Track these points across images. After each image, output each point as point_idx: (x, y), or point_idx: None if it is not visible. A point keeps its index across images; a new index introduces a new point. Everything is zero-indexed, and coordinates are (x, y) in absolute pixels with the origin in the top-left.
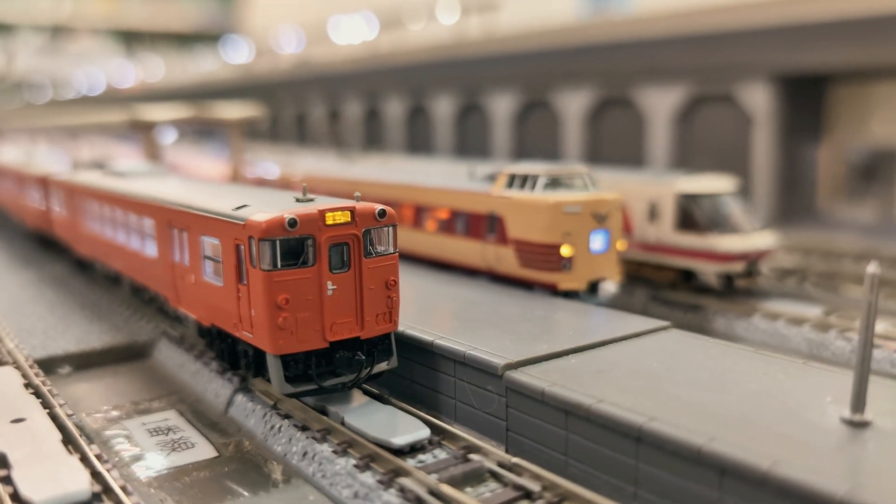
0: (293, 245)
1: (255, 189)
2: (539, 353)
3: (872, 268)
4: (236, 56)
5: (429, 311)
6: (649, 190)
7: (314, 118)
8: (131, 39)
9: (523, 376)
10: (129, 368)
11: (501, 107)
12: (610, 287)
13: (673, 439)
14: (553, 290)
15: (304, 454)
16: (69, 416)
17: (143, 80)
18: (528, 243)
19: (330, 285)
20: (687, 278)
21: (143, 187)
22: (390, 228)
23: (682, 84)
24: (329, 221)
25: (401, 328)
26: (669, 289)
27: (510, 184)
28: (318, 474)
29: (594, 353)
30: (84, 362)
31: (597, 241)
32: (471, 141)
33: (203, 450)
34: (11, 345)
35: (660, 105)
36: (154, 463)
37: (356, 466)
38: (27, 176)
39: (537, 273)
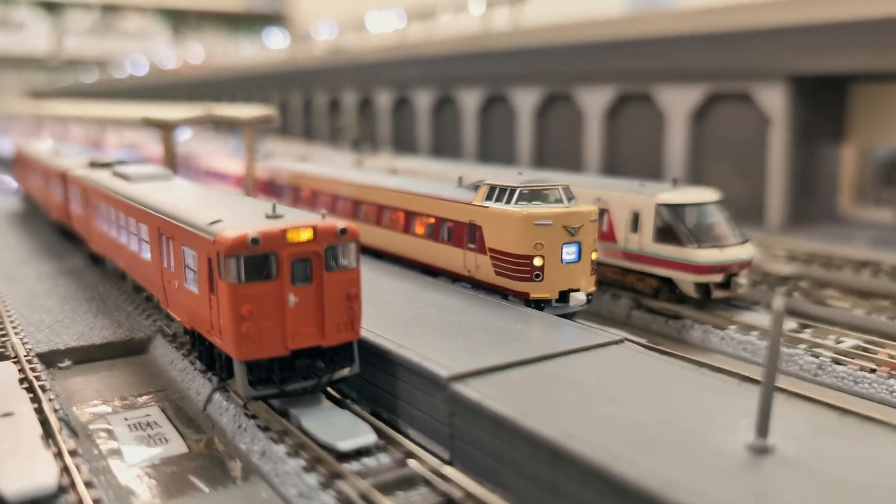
0: (256, 260)
1: (238, 200)
2: (487, 364)
3: (778, 303)
4: (280, 41)
5: (399, 316)
6: (632, 200)
7: (337, 109)
8: (178, 20)
9: (465, 387)
10: (126, 363)
11: (525, 100)
12: (580, 297)
13: (579, 456)
14: (525, 299)
15: (263, 453)
16: (56, 410)
17: (185, 61)
18: (503, 253)
19: (292, 297)
20: (669, 288)
21: (143, 192)
22: (352, 245)
23: (701, 82)
24: (291, 239)
25: (368, 335)
26: (652, 297)
27: (489, 195)
28: (272, 473)
29: (540, 366)
30: (83, 356)
31: (568, 253)
32: (495, 133)
33: (175, 446)
34: (16, 339)
35: (678, 102)
36: (128, 458)
37: (303, 468)
38: (50, 169)
39: (511, 282)
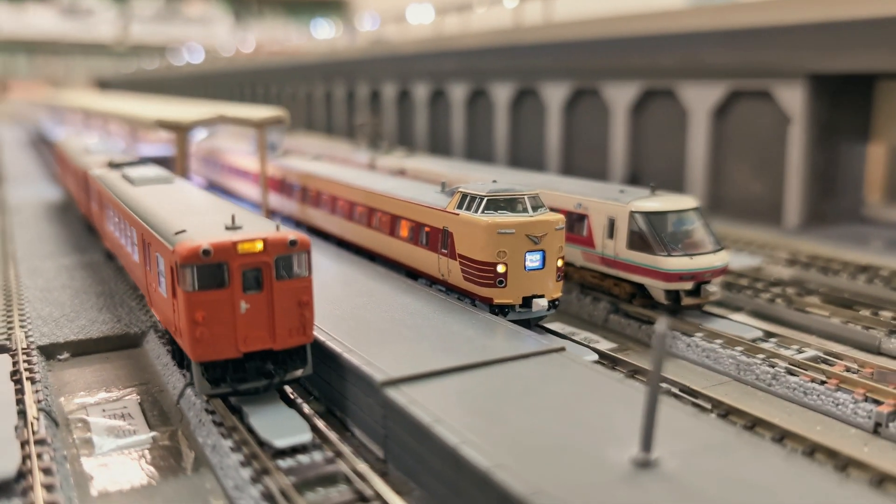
0: (209, 270)
1: (216, 208)
2: (422, 370)
3: (661, 326)
4: (327, 31)
5: (364, 319)
6: (608, 206)
7: (378, 100)
8: (240, 6)
9: (395, 392)
10: (120, 357)
11: (554, 94)
12: (542, 303)
13: (470, 462)
14: (490, 304)
15: (214, 447)
16: (38, 402)
17: (238, 50)
18: (469, 259)
19: (243, 304)
20: (643, 293)
21: (139, 196)
22: (303, 255)
23: (722, 79)
24: (241, 250)
25: (325, 337)
26: (628, 302)
27: (460, 202)
28: (218, 465)
29: (475, 372)
30: (81, 349)
31: (532, 260)
32: (525, 126)
33: (141, 437)
34: (20, 332)
35: (700, 99)
36: (97, 447)
37: (241, 462)
38: (77, 167)
39: (476, 287)
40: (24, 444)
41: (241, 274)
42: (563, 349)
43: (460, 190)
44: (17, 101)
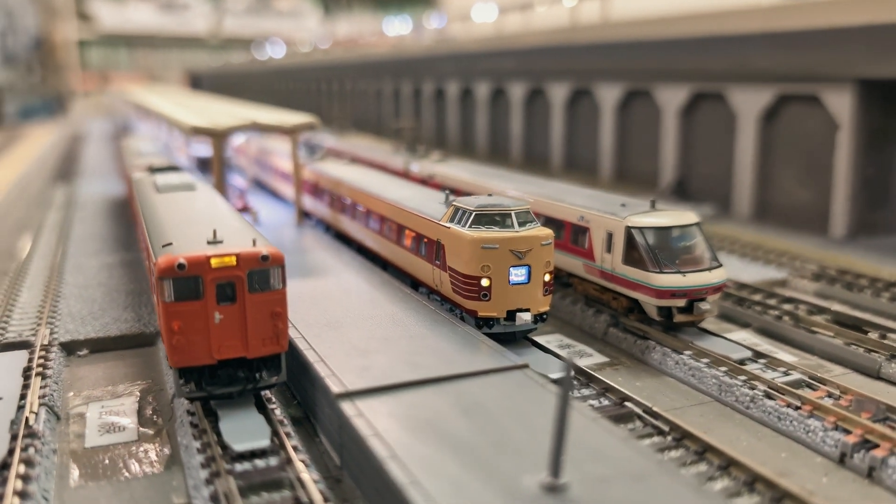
0: (184, 283)
1: (212, 220)
2: (381, 383)
3: (567, 361)
4: (401, 27)
5: (347, 326)
6: (607, 220)
7: (442, 98)
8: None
9: (347, 404)
10: (133, 355)
11: (608, 95)
12: (526, 316)
13: (391, 476)
14: (475, 317)
15: (187, 447)
16: (42, 397)
17: (316, 46)
18: (456, 272)
19: (217, 315)
20: (639, 308)
21: (154, 205)
22: (276, 269)
23: (771, 83)
24: (214, 265)
25: (306, 345)
26: (625, 316)
27: (453, 216)
28: (186, 465)
29: (430, 388)
30: (100, 347)
31: (517, 275)
32: (580, 127)
33: (129, 434)
34: (45, 329)
35: (749, 104)
36: (87, 441)
37: (202, 463)
38: (125, 168)
39: (462, 300)
40: (14, 436)
41: (215, 286)
42: (525, 366)
43: (453, 203)
44: (114, 93)
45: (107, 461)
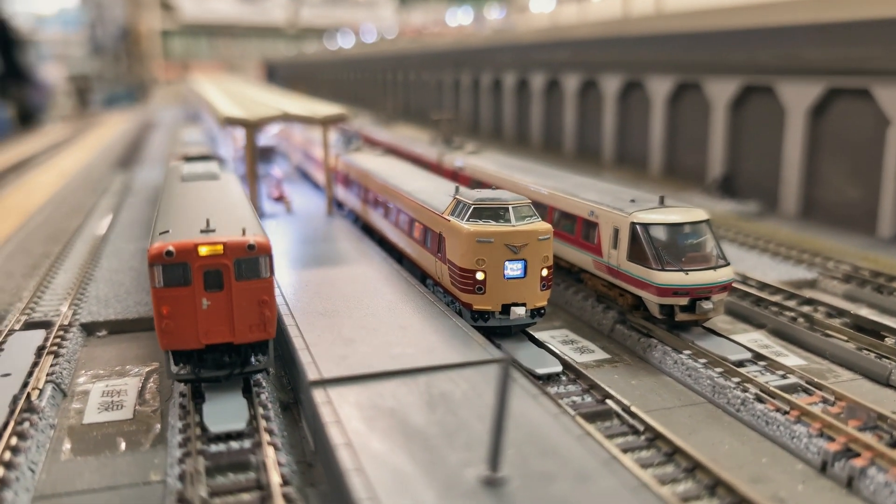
0: (173, 269)
1: (215, 210)
2: (356, 372)
3: (505, 357)
4: (464, 18)
5: (341, 316)
6: (614, 216)
7: (499, 89)
8: None
9: (319, 392)
10: (147, 337)
11: (658, 88)
12: (520, 311)
13: (340, 463)
14: (470, 310)
15: (172, 427)
16: (50, 374)
17: (383, 37)
18: (454, 265)
19: (204, 301)
20: (644, 306)
21: (172, 194)
22: (263, 258)
23: (821, 75)
24: (202, 253)
25: (297, 332)
26: (630, 313)
27: (453, 209)
28: (169, 443)
29: (403, 379)
30: (117, 328)
31: (512, 269)
32: (631, 119)
33: (125, 412)
34: (67, 310)
35: (798, 97)
36: (85, 418)
37: (180, 443)
38: (169, 157)
39: (459, 293)
40: (13, 411)
41: (203, 273)
42: (506, 360)
43: (455, 196)
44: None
45: (100, 437)
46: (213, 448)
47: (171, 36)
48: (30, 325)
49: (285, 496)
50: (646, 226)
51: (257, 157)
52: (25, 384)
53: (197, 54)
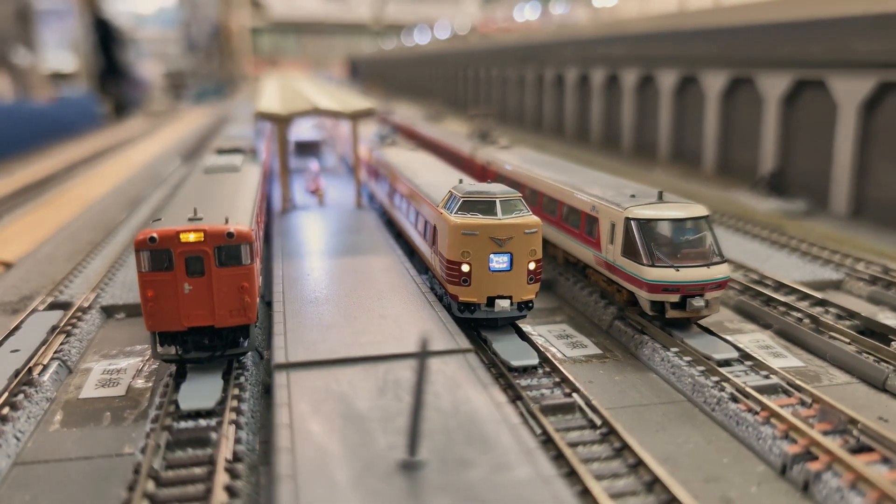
0: (156, 255)
1: (212, 200)
2: (320, 357)
3: (421, 342)
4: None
5: (329, 303)
6: (611, 211)
7: (561, 85)
8: None
9: (280, 375)
10: None
11: (713, 83)
12: (503, 303)
13: (276, 441)
14: (456, 301)
15: (153, 404)
16: (57, 352)
17: (456, 33)
18: (442, 256)
19: (186, 286)
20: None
21: (191, 184)
22: (244, 246)
23: (873, 69)
24: (183, 239)
25: (282, 318)
26: (623, 310)
27: (446, 201)
28: (148, 419)
29: (364, 365)
30: (135, 311)
31: (498, 262)
32: (686, 115)
33: (119, 389)
34: (90, 294)
35: (849, 91)
36: (82, 393)
37: (152, 418)
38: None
39: (447, 284)
40: (9, 383)
41: (184, 259)
42: (470, 351)
43: (451, 189)
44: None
45: (90, 411)
46: (183, 424)
47: (261, 33)
48: (52, 306)
49: (229, 471)
50: (639, 221)
51: (302, 151)
52: (31, 360)
53: (285, 51)
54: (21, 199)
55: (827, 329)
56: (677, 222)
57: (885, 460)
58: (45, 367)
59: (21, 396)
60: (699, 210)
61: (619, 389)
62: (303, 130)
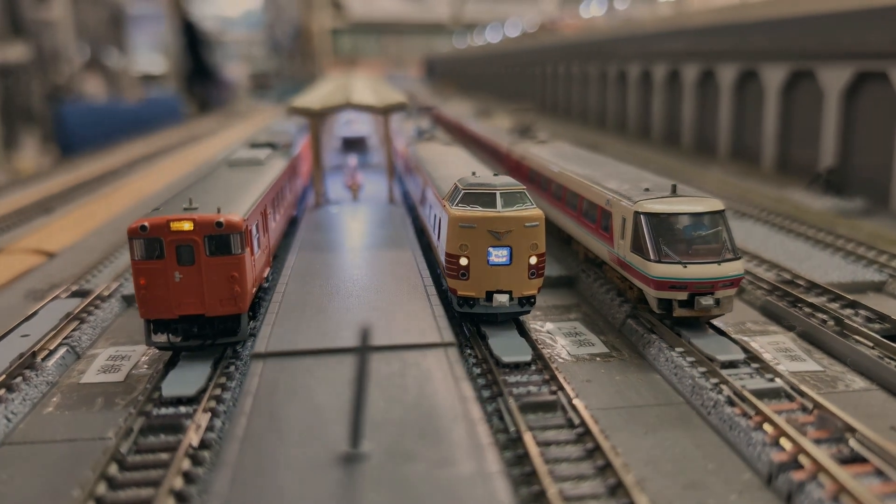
0: (148, 244)
1: (230, 194)
2: (297, 347)
3: (362, 332)
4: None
5: (328, 295)
6: (623, 205)
7: (623, 81)
8: None
9: (256, 363)
10: None
11: (771, 76)
12: (501, 298)
13: (232, 428)
14: (455, 296)
15: (143, 390)
16: (67, 338)
17: (525, 31)
18: (443, 250)
19: (177, 274)
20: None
21: (211, 177)
22: (234, 235)
23: None
24: (174, 228)
25: (275, 307)
26: (635, 307)
27: (451, 193)
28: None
29: (339, 357)
30: None
31: (497, 256)
32: (746, 110)
33: (119, 376)
34: (114, 283)
35: None
36: (84, 378)
37: (133, 404)
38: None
39: (447, 278)
40: (10, 367)
41: (175, 248)
42: (452, 345)
43: (456, 182)
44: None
45: (86, 396)
46: (163, 411)
47: (341, 34)
48: (75, 294)
49: (192, 457)
50: (648, 215)
51: (349, 147)
52: (37, 345)
53: (364, 52)
54: (79, 193)
55: (851, 332)
56: (688, 217)
57: (879, 472)
58: (52, 353)
59: (19, 379)
60: (713, 204)
61: (616, 389)
62: (354, 127)
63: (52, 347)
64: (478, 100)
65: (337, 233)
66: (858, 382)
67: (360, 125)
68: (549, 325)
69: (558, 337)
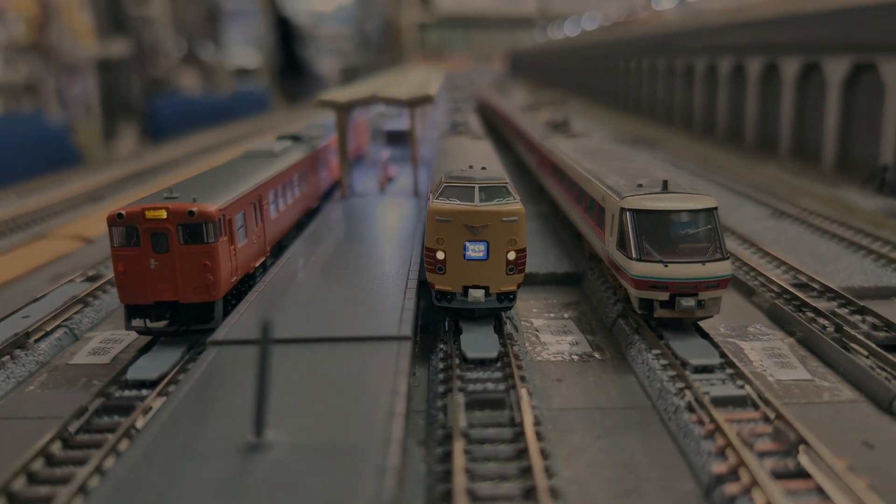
0: (124, 231)
1: (230, 183)
2: (256, 335)
3: (265, 326)
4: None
5: (309, 284)
6: (612, 201)
7: (691, 76)
8: None
9: (213, 350)
10: None
11: (834, 70)
12: (476, 293)
13: (157, 425)
14: (433, 289)
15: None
16: (66, 321)
17: (601, 25)
18: (423, 243)
19: (152, 262)
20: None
21: (223, 167)
22: (208, 224)
23: None
24: (148, 216)
25: (251, 294)
26: (625, 305)
27: (436, 186)
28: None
29: (298, 346)
30: None
31: (474, 251)
32: (809, 107)
33: (106, 358)
34: None
35: None
36: (76, 359)
37: (110, 384)
38: None
39: (426, 271)
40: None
41: (150, 236)
42: (406, 339)
43: (441, 175)
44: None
45: (70, 376)
46: (127, 393)
47: (428, 29)
48: (89, 279)
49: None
50: (633, 211)
51: (394, 140)
52: (33, 325)
53: (451, 46)
54: (133, 182)
55: (849, 340)
56: (674, 214)
57: (820, 490)
58: (48, 334)
59: (7, 358)
60: (703, 202)
61: (584, 390)
62: (398, 120)
63: (48, 329)
64: (548, 94)
65: (348, 226)
66: (846, 393)
67: (406, 119)
68: (538, 322)
69: (544, 335)
